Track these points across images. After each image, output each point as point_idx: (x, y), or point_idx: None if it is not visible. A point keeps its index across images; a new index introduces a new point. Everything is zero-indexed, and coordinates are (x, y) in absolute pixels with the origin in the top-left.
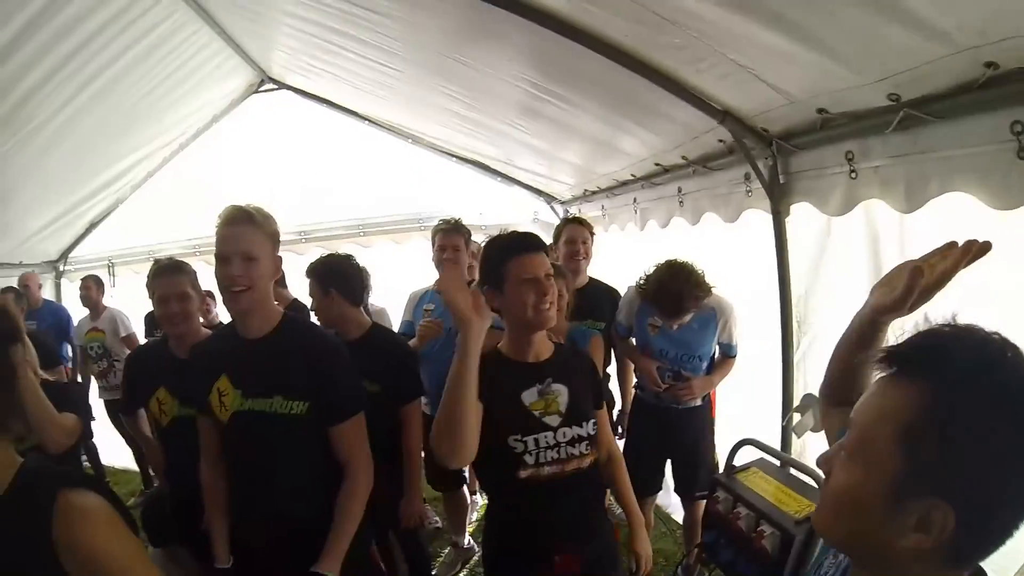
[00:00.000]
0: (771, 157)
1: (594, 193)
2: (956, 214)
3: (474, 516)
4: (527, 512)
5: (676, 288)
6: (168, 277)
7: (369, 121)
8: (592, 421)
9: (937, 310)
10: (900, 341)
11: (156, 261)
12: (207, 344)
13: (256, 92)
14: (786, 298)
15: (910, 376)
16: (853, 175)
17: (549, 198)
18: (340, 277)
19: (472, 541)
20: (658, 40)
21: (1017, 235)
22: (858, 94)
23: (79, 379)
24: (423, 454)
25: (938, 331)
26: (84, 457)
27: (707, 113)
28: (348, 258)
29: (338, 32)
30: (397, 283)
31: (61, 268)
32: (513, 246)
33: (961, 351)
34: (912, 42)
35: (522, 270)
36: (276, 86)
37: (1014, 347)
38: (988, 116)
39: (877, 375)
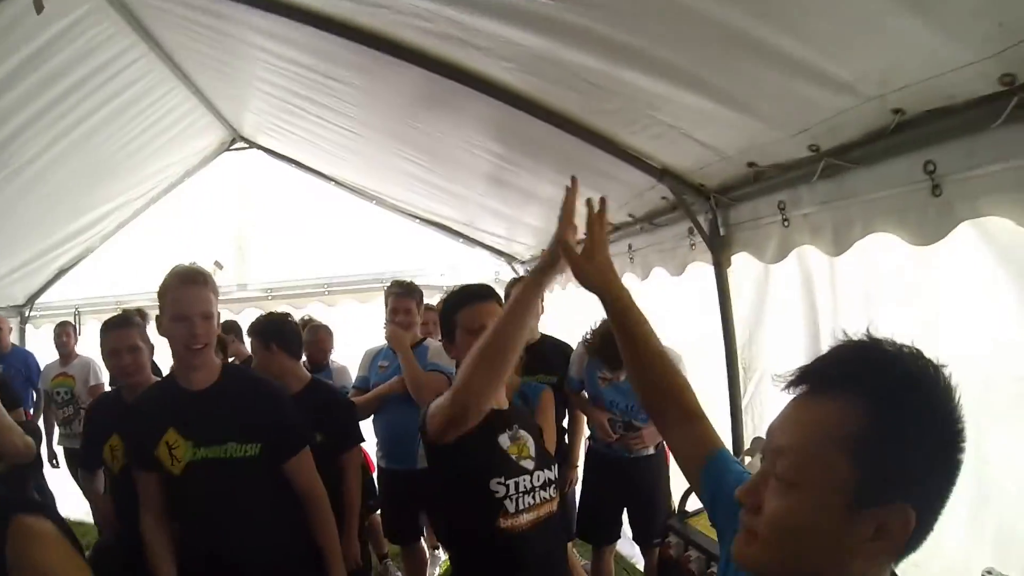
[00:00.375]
0: (710, 211)
1: None
2: (880, 253)
3: (436, 571)
4: (506, 564)
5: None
6: (118, 331)
7: (335, 182)
8: (556, 465)
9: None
10: (811, 362)
11: (124, 311)
12: (146, 401)
13: (228, 150)
14: (731, 345)
15: (836, 390)
16: (786, 223)
17: (510, 258)
18: (279, 334)
19: None
20: (593, 106)
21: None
22: (781, 147)
23: (40, 423)
24: (379, 509)
25: (855, 345)
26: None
27: (646, 172)
28: (286, 316)
29: (304, 97)
30: (361, 341)
31: (27, 313)
32: (461, 298)
33: (889, 359)
34: (822, 96)
35: (469, 320)
36: (247, 145)
37: (920, 351)
38: (902, 159)
39: (790, 397)
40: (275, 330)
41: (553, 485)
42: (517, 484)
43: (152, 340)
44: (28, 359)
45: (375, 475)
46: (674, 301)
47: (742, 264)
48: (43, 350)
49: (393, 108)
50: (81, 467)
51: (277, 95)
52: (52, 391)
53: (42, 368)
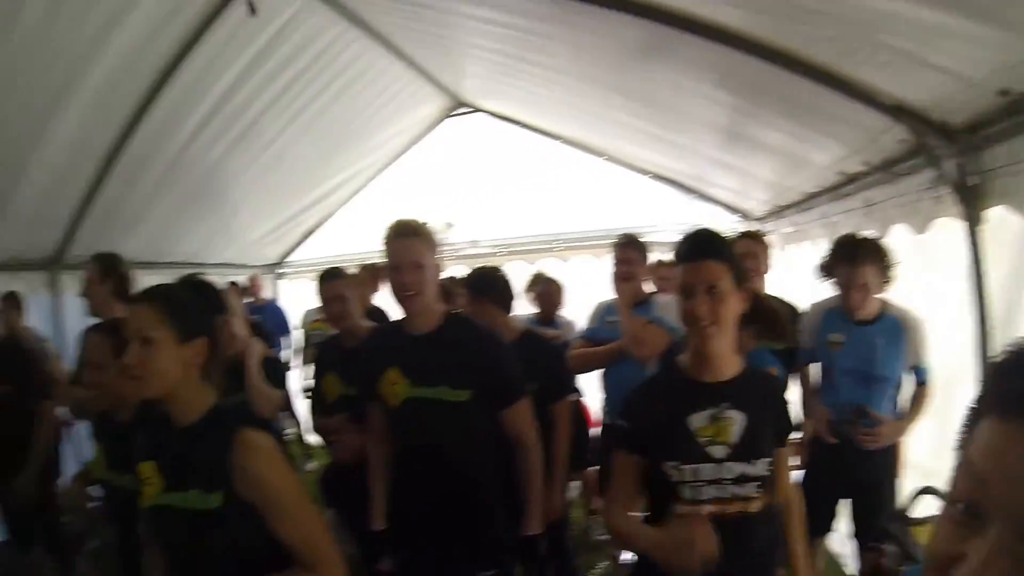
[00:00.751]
0: (958, 155)
1: (786, 208)
2: None
3: None
4: None
5: (850, 239)
6: (329, 282)
7: (562, 140)
8: (767, 460)
9: None
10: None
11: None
12: (377, 340)
13: (451, 116)
14: (985, 320)
15: None
16: None
17: (744, 215)
18: (490, 286)
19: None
20: (810, 34)
21: None
22: None
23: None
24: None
25: None
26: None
27: (878, 110)
28: (496, 269)
29: (518, 57)
30: (593, 297)
31: (279, 271)
32: (676, 254)
33: None
34: None
35: (679, 280)
36: (470, 109)
37: None
38: None
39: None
40: (486, 283)
41: (755, 482)
42: (696, 471)
43: None
44: (279, 312)
45: (599, 431)
46: (917, 263)
47: (1000, 220)
48: (294, 302)
49: (609, 60)
50: (311, 406)
51: (491, 58)
52: (309, 333)
53: (304, 313)
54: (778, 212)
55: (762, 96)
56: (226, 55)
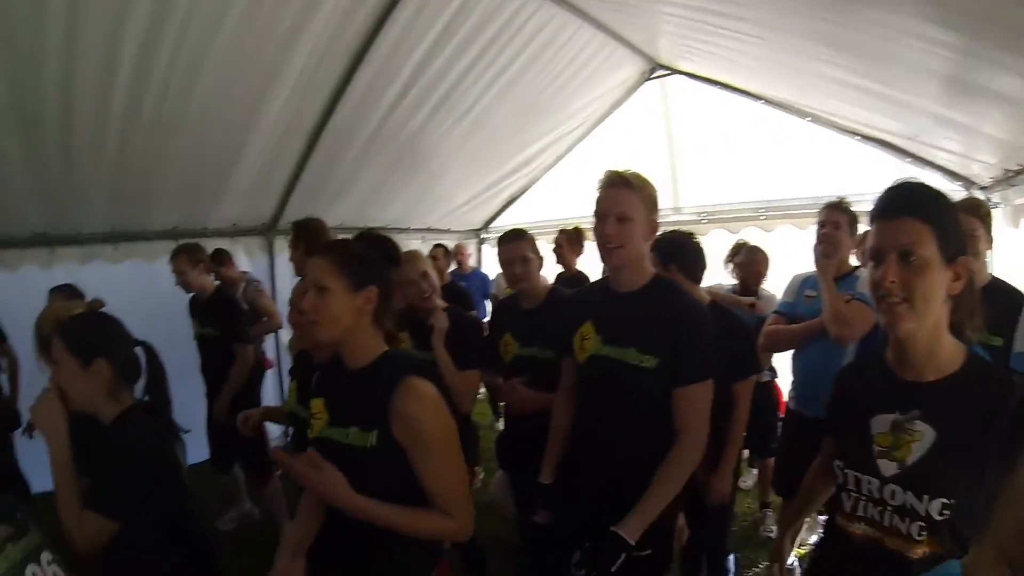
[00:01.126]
0: None
1: (1018, 174)
2: None
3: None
4: (832, 568)
5: None
6: (510, 244)
7: (764, 100)
8: (943, 502)
9: None
10: None
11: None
12: (579, 295)
13: (649, 79)
14: None
15: None
16: None
17: (967, 182)
18: (681, 253)
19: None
20: None
21: None
22: None
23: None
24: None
25: None
26: None
27: None
28: (690, 235)
29: (710, 11)
30: (797, 270)
31: (483, 236)
32: (872, 211)
33: None
34: None
35: (870, 242)
36: (668, 71)
37: None
38: None
39: None
40: (677, 249)
41: (920, 523)
42: (859, 481)
43: None
44: (485, 279)
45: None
46: None
47: None
48: (497, 266)
49: (809, 6)
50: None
51: (682, 14)
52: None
53: (496, 276)
54: (1009, 179)
55: (990, 29)
56: (415, 31)
